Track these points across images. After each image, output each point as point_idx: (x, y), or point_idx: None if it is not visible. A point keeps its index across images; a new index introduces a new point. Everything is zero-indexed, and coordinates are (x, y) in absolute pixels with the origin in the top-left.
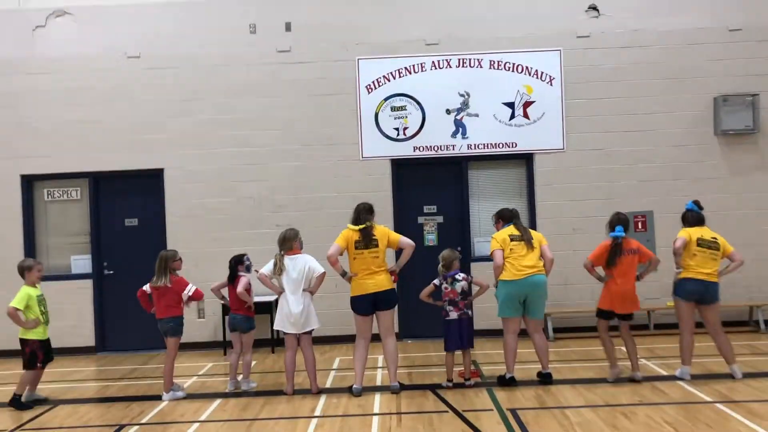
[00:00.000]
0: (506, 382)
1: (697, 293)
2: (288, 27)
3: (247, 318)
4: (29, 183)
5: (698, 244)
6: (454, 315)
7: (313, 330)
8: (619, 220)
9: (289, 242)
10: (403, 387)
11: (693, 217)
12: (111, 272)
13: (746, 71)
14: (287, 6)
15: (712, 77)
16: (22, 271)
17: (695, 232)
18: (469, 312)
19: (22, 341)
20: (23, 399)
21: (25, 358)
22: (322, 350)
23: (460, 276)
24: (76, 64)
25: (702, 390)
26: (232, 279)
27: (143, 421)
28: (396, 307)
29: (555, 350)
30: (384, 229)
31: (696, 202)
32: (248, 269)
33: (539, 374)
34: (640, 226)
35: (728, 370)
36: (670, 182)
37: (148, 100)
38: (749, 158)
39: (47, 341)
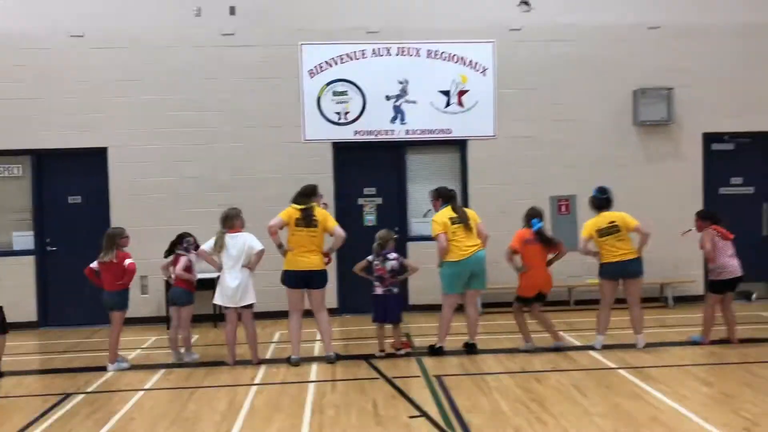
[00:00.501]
0: (436, 351)
1: (618, 273)
2: (232, 11)
3: (186, 292)
4: None
5: (600, 236)
6: (379, 291)
7: (253, 305)
8: (534, 213)
9: (231, 221)
10: (339, 357)
11: (594, 202)
12: (54, 249)
13: (663, 66)
14: None
15: (632, 71)
16: None
17: (593, 225)
18: (394, 289)
19: None
20: None
21: None
22: (263, 324)
23: (392, 256)
24: (17, 41)
25: (609, 358)
26: (169, 254)
27: (89, 390)
28: (325, 286)
29: (482, 324)
30: (324, 213)
31: (601, 189)
32: (187, 250)
33: (466, 344)
34: (564, 209)
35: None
36: (593, 168)
37: (92, 80)
38: (664, 147)
39: None
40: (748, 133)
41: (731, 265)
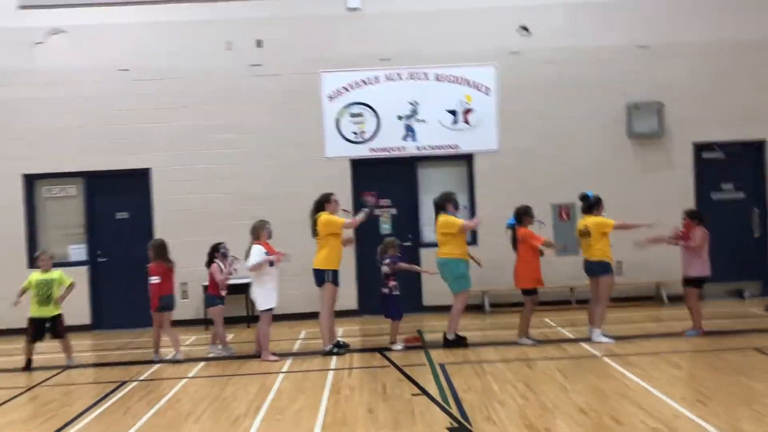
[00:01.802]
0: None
1: (585, 270)
2: (259, 44)
3: (211, 296)
4: (30, 181)
5: (579, 236)
6: (382, 290)
7: (265, 310)
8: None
9: (256, 232)
10: (354, 350)
11: (582, 205)
12: (104, 259)
13: (654, 82)
14: (259, 26)
15: (625, 87)
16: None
17: (579, 225)
18: (385, 290)
19: None
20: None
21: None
22: (291, 324)
23: (386, 261)
24: (71, 76)
25: (596, 348)
26: (209, 264)
27: (141, 378)
28: (320, 285)
29: (491, 321)
30: (324, 220)
31: (584, 196)
32: (224, 256)
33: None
34: (564, 216)
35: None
36: (590, 178)
37: (136, 108)
38: (656, 157)
39: (38, 320)
40: (736, 142)
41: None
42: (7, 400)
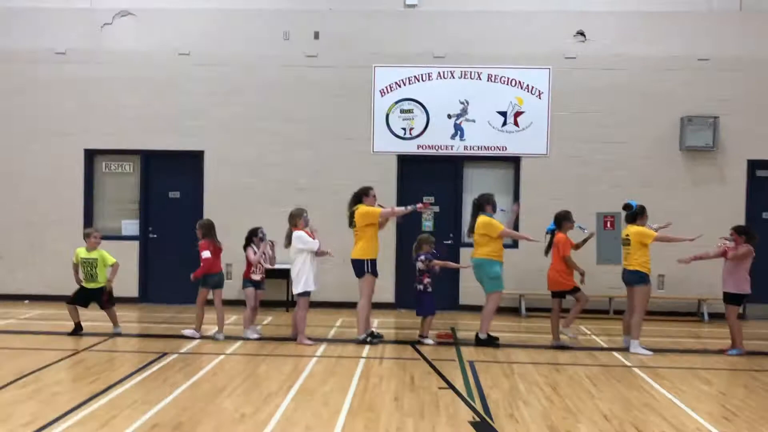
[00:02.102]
0: (490, 341)
1: (623, 279)
2: (316, 36)
3: (244, 279)
4: (91, 156)
5: (622, 244)
6: (416, 286)
7: (304, 293)
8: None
9: (293, 219)
10: (387, 342)
11: (626, 215)
12: (155, 236)
13: (709, 96)
14: (317, 18)
15: (680, 99)
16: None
17: (623, 233)
18: (419, 287)
19: None
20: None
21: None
22: (328, 312)
23: (421, 258)
24: (135, 57)
25: (628, 359)
26: (246, 247)
27: (181, 351)
28: (360, 276)
29: (525, 325)
30: (361, 211)
31: (628, 205)
32: (262, 240)
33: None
34: (608, 225)
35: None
36: (639, 189)
37: (194, 92)
38: (708, 172)
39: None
40: None
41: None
42: (56, 361)
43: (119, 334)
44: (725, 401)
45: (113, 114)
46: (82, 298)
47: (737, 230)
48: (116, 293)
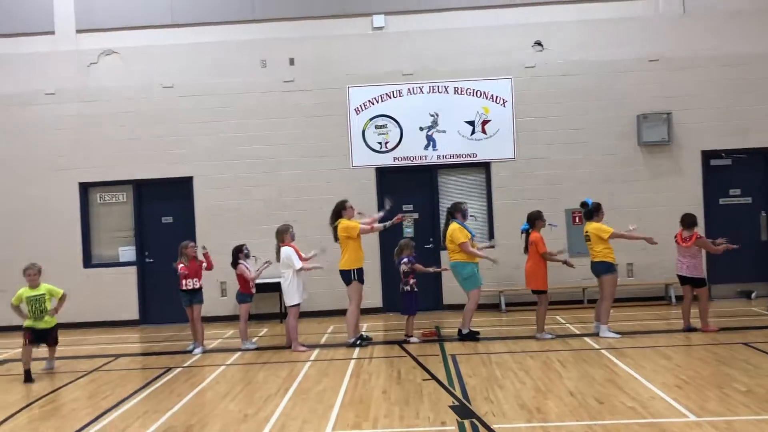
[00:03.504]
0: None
1: (591, 271)
2: (292, 62)
3: (241, 294)
4: (85, 189)
5: (585, 239)
6: (405, 288)
7: (293, 305)
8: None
9: (280, 235)
10: (375, 343)
11: (583, 212)
12: (151, 260)
13: (662, 94)
14: (291, 45)
15: (635, 98)
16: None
17: (583, 230)
18: (406, 287)
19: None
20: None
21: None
22: (320, 320)
23: (404, 261)
24: (122, 93)
25: (598, 342)
26: (235, 265)
27: (185, 365)
28: (354, 283)
29: (505, 319)
30: (344, 225)
31: (584, 203)
32: (247, 256)
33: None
34: (577, 220)
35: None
36: (602, 184)
37: (180, 122)
38: (666, 164)
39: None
40: (742, 150)
41: None
42: (71, 381)
43: (49, 370)
44: (680, 372)
45: (104, 147)
46: (37, 339)
47: (689, 224)
48: (117, 317)
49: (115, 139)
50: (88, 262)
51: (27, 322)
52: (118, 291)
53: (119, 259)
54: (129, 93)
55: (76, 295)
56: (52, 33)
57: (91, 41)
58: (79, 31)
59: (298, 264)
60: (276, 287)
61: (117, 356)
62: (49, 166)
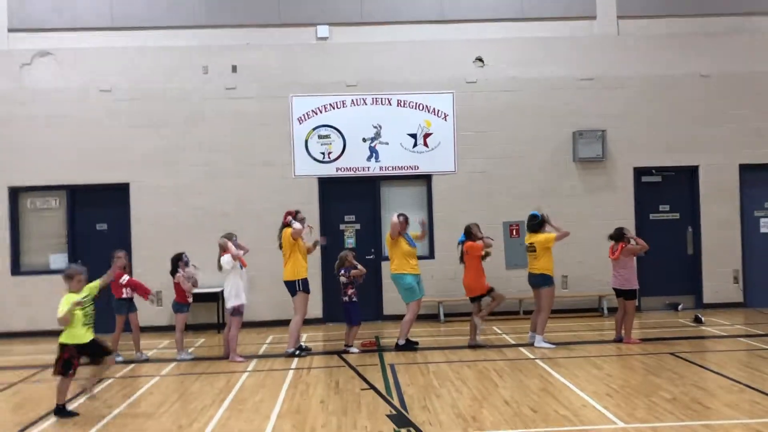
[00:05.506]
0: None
1: (529, 283)
2: (234, 69)
3: (178, 304)
4: (15, 194)
5: (527, 251)
6: (344, 299)
7: (236, 313)
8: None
9: (222, 248)
10: (315, 353)
11: (531, 224)
12: (84, 268)
13: (596, 112)
14: (234, 52)
15: (571, 116)
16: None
17: (526, 241)
18: (345, 298)
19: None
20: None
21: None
22: (259, 330)
23: (343, 272)
24: (57, 95)
25: (533, 352)
26: (174, 273)
27: (118, 375)
28: (300, 293)
29: (444, 329)
30: (285, 232)
31: (533, 215)
32: (186, 264)
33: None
34: (514, 233)
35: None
36: (539, 199)
37: (117, 126)
38: (599, 180)
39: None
40: (672, 168)
41: None
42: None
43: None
44: (611, 381)
45: (37, 151)
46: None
47: (616, 238)
48: (45, 326)
49: (49, 143)
50: (16, 269)
51: (77, 336)
52: (49, 300)
53: (50, 267)
54: (64, 96)
55: (3, 305)
56: None
57: (24, 41)
58: (11, 30)
59: (234, 250)
60: (214, 297)
61: (45, 367)
62: None
